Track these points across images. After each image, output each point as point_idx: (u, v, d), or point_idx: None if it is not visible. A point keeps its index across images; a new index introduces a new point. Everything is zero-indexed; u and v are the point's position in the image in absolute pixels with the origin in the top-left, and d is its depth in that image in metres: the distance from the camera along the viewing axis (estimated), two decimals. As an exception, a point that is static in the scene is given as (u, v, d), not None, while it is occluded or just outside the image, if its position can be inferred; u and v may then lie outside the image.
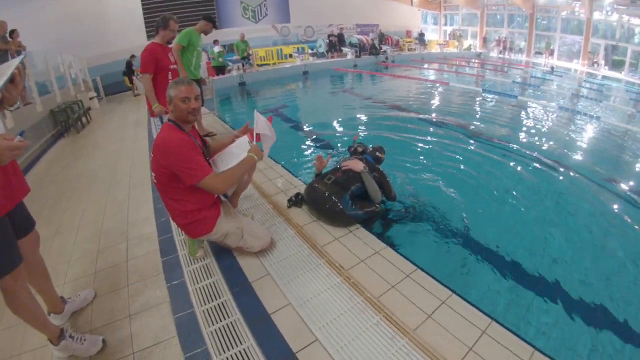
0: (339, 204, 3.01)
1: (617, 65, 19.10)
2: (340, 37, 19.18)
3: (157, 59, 3.98)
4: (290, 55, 17.74)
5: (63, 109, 7.85)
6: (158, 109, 4.02)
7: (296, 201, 3.41)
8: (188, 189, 2.32)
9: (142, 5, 15.42)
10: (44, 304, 2.10)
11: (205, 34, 4.76)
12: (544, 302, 2.70)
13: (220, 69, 12.92)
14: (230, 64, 13.60)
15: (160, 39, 4.08)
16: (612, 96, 12.64)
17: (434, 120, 7.95)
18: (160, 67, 4.02)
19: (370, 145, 3.95)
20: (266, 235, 2.72)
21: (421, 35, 23.64)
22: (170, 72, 4.12)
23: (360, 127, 7.36)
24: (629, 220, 3.90)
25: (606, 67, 19.19)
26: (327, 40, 18.31)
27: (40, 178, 5.04)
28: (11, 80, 1.42)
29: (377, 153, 3.82)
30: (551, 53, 21.68)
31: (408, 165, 4.97)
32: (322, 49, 18.43)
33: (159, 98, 4.04)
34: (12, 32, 8.13)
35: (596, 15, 19.04)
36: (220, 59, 12.78)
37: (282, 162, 4.56)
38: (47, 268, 2.10)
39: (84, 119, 8.45)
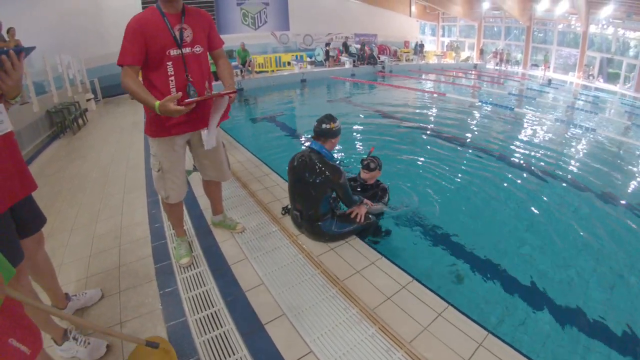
0: (325, 234, 2.93)
1: (612, 78, 19.38)
2: (345, 45, 19.41)
3: None
4: (289, 63, 17.82)
5: (60, 110, 7.82)
6: None
7: (289, 209, 3.38)
8: (146, 76, 2.23)
9: (142, 7, 15.44)
10: (47, 299, 2.12)
11: None
12: (541, 313, 2.69)
13: (219, 75, 12.96)
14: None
15: None
16: (607, 108, 12.79)
17: (430, 130, 7.98)
18: None
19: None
20: (175, 195, 2.53)
21: (421, 46, 23.78)
22: None
23: (356, 135, 7.37)
24: (624, 229, 3.92)
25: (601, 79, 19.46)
26: (325, 49, 18.39)
27: (35, 178, 4.98)
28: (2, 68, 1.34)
29: (324, 125, 2.93)
30: (548, 66, 21.94)
31: (403, 174, 4.96)
32: (321, 58, 18.52)
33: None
34: (9, 30, 8.10)
35: (592, 29, 19.32)
36: None
37: (278, 170, 4.53)
38: (52, 265, 2.10)
39: (80, 121, 8.41)
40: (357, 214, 3.06)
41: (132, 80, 2.07)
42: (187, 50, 2.23)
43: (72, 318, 1.68)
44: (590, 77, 19.64)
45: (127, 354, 1.94)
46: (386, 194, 3.73)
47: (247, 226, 3.22)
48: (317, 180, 2.83)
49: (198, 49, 2.29)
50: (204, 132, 2.43)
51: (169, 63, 2.19)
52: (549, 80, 18.35)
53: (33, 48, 1.63)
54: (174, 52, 2.19)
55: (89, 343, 1.93)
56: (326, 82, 15.41)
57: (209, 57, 2.48)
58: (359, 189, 3.76)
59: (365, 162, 3.68)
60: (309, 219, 2.94)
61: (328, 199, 2.93)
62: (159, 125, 2.31)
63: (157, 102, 1.99)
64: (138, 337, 1.74)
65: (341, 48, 19.64)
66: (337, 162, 2.96)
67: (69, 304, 2.22)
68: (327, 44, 18.84)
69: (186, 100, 2.05)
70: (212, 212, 3.16)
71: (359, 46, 20.05)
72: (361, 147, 6.43)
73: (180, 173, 2.53)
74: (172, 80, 2.22)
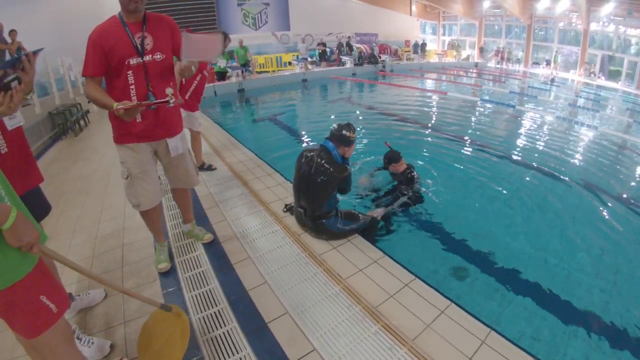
0: (328, 231, 2.94)
1: (613, 75, 19.34)
2: (349, 45, 19.33)
3: None
4: (290, 63, 17.79)
5: (61, 112, 7.82)
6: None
7: (291, 207, 3.38)
8: (109, 84, 2.26)
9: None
10: None
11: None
12: (543, 311, 2.68)
13: (222, 75, 12.98)
14: (230, 70, 13.60)
15: None
16: (609, 106, 12.77)
17: (431, 128, 7.97)
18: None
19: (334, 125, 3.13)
20: (146, 201, 2.52)
21: (423, 45, 23.72)
22: (200, 75, 4.22)
23: (358, 134, 7.35)
24: (627, 225, 3.92)
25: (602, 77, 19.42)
26: (319, 49, 18.17)
27: (37, 181, 5.00)
28: (22, 68, 1.44)
29: (344, 132, 2.94)
30: (548, 64, 21.90)
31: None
32: (302, 50, 18.10)
33: (180, 93, 4.06)
34: (10, 32, 8.12)
35: (593, 26, 19.26)
36: (222, 66, 12.83)
37: (280, 170, 4.54)
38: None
39: (82, 122, 8.42)
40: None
41: (92, 89, 2.14)
42: (147, 58, 2.24)
43: (96, 276, 1.66)
44: (592, 75, 19.59)
45: (130, 353, 1.95)
46: (413, 183, 4.00)
47: (249, 225, 3.24)
48: (324, 180, 2.83)
49: (159, 56, 2.28)
50: (169, 140, 2.45)
51: (129, 72, 2.20)
52: (552, 79, 18.33)
53: (41, 49, 1.70)
54: (133, 60, 2.19)
55: (92, 342, 1.95)
56: (327, 82, 15.39)
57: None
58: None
59: (385, 162, 4.16)
60: (312, 217, 2.94)
61: (334, 198, 2.94)
62: (123, 131, 2.34)
63: (115, 104, 2.02)
64: (155, 299, 1.93)
65: (343, 48, 19.58)
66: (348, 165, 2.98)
67: (72, 304, 2.23)
68: (321, 44, 18.60)
69: (121, 105, 2.01)
70: (182, 221, 3.09)
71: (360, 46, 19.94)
72: (364, 146, 6.41)
73: (151, 179, 2.50)
74: (132, 89, 2.23)
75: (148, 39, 2.24)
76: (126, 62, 2.17)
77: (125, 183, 2.47)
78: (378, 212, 3.44)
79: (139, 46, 2.20)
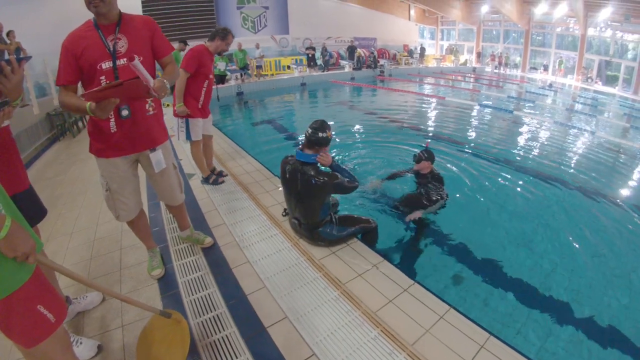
0: (324, 239, 2.92)
1: (610, 80, 19.48)
2: (350, 49, 19.37)
3: (201, 62, 3.83)
4: (289, 67, 17.82)
5: (60, 113, 7.79)
6: (181, 108, 3.82)
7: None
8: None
9: (143, 12, 15.46)
10: None
11: (220, 54, 4.12)
12: (542, 315, 2.69)
13: (221, 78, 12.99)
14: (229, 73, 13.62)
15: (213, 47, 3.94)
16: (606, 111, 12.85)
17: (429, 133, 8.00)
18: (200, 72, 3.86)
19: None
20: (125, 214, 2.46)
21: (422, 49, 23.79)
22: (207, 81, 3.97)
23: (356, 138, 7.38)
24: (626, 231, 3.93)
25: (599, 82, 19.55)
26: (308, 54, 17.82)
27: (34, 181, 4.88)
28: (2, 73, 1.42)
29: (320, 134, 2.79)
30: (545, 69, 22.06)
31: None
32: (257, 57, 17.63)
33: (186, 99, 3.87)
34: (9, 32, 8.10)
35: (590, 32, 19.41)
36: (222, 69, 12.84)
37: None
38: None
39: (80, 124, 8.41)
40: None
41: (64, 95, 2.02)
42: (121, 61, 2.10)
43: (94, 284, 1.66)
44: (589, 80, 19.72)
45: (128, 358, 1.94)
46: (442, 181, 4.05)
47: (248, 229, 3.23)
48: (315, 191, 2.76)
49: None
50: (151, 154, 2.34)
51: (102, 78, 2.07)
52: (550, 84, 18.44)
53: (29, 57, 1.73)
54: (105, 65, 2.07)
55: (81, 343, 1.95)
56: (326, 86, 15.43)
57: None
58: (415, 180, 4.28)
59: (417, 157, 4.14)
60: (308, 227, 2.92)
61: (327, 205, 2.92)
62: (100, 145, 2.23)
63: (88, 104, 1.81)
64: (154, 306, 1.90)
65: (342, 52, 19.58)
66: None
67: (69, 308, 2.21)
68: (310, 48, 18.24)
69: (91, 91, 1.77)
70: (178, 228, 3.03)
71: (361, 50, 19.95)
72: (364, 151, 6.42)
73: (130, 193, 2.42)
74: None
75: (122, 41, 2.11)
76: (98, 67, 2.05)
77: (105, 195, 2.39)
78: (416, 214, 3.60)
79: (111, 49, 2.08)
